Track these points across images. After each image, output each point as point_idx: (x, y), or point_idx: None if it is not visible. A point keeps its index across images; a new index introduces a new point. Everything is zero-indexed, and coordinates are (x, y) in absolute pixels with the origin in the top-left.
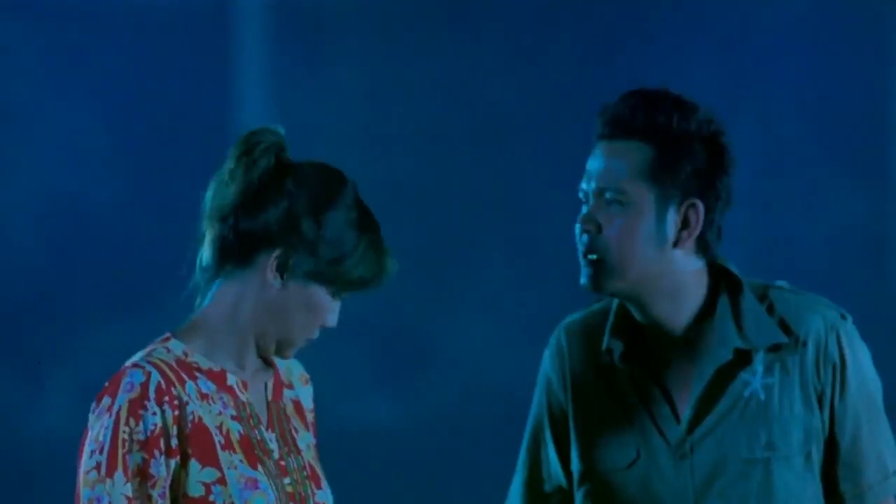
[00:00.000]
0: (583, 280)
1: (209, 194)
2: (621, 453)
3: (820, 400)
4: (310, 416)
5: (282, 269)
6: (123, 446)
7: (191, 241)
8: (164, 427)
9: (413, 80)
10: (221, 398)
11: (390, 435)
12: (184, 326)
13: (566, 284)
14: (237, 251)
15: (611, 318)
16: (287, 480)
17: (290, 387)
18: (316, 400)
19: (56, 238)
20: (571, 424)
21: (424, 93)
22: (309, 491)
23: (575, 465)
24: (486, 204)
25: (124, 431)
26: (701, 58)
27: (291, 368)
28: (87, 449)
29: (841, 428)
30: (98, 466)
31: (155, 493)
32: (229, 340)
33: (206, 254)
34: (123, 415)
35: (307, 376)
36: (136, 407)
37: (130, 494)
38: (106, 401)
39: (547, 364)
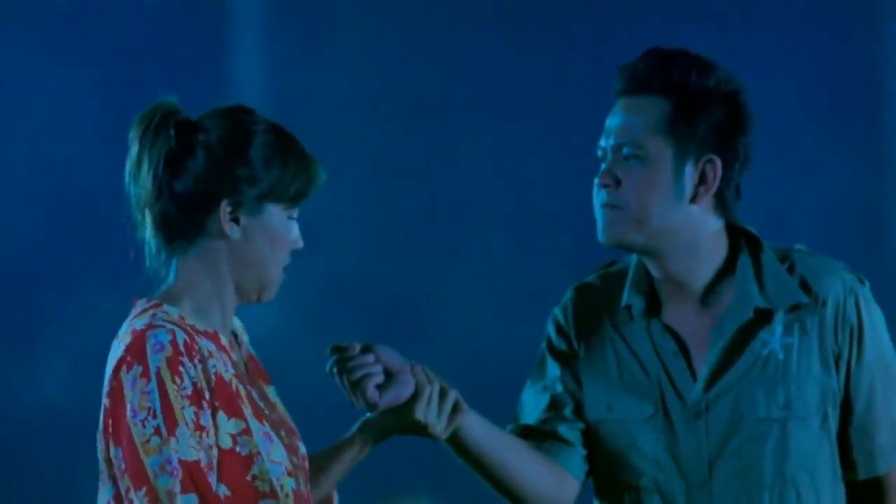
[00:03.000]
0: (601, 235)
1: (130, 184)
2: (639, 407)
3: (837, 361)
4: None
5: (235, 216)
6: (178, 402)
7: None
8: (199, 380)
9: (412, 51)
10: (221, 357)
11: None
12: (163, 295)
13: (563, 258)
14: (184, 223)
15: (630, 275)
16: (283, 433)
17: (242, 343)
18: (310, 373)
19: (51, 207)
20: (583, 375)
21: (424, 64)
22: (295, 442)
23: (590, 413)
24: (483, 176)
25: (172, 389)
26: (694, 27)
27: (236, 326)
28: (134, 420)
29: (856, 390)
30: (158, 430)
31: (209, 442)
32: (213, 304)
33: (153, 238)
34: (166, 375)
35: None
36: (175, 364)
37: (195, 445)
38: (136, 368)
39: (557, 309)
